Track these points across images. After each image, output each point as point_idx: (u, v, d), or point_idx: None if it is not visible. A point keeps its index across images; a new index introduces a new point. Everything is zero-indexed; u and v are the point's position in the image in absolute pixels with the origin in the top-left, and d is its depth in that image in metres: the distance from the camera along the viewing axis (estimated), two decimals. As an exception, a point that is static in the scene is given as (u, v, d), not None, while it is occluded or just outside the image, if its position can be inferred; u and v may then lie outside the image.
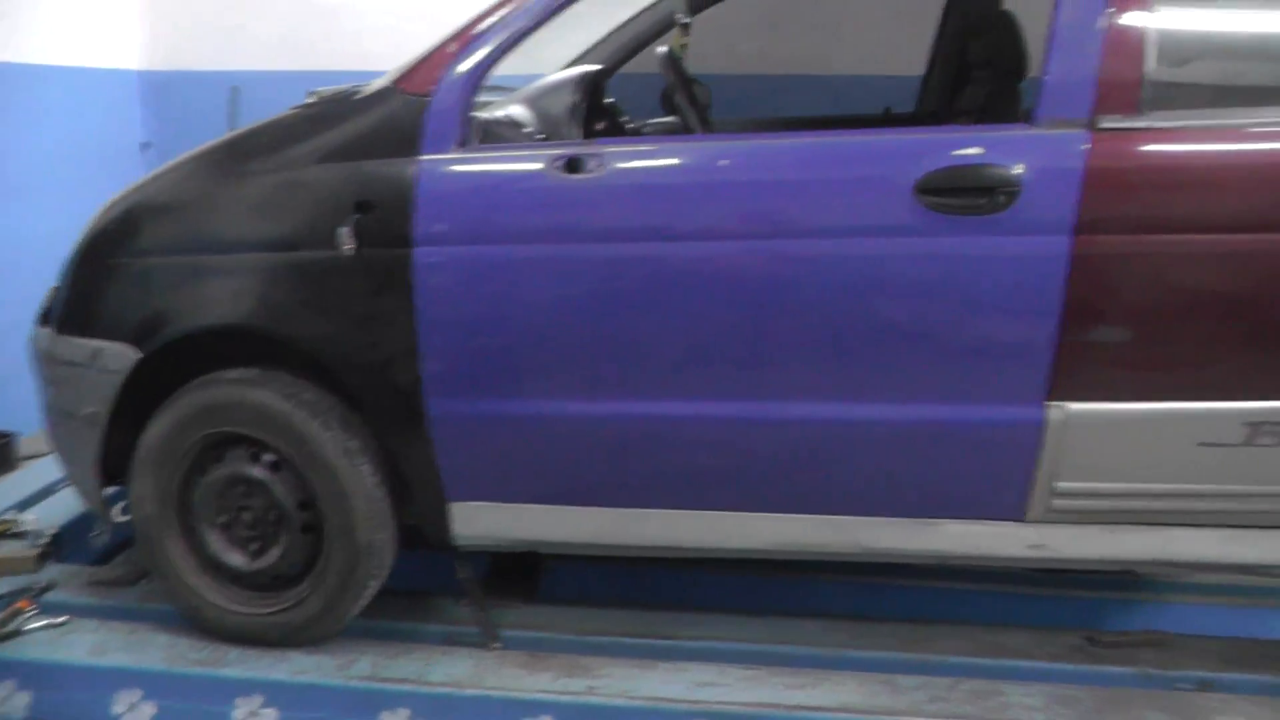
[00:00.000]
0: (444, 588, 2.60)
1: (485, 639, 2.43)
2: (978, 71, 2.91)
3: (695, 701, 2.18)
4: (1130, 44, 2.08)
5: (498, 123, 2.30)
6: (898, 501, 2.22)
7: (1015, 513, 2.20)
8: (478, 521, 2.34)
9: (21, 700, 2.37)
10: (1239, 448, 2.15)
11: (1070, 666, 2.34)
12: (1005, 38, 2.83)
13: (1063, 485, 2.16)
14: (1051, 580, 2.72)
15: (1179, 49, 2.17)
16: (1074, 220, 2.04)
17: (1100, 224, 2.05)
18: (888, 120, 3.08)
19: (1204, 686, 2.32)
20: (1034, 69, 2.46)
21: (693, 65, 3.21)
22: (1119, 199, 2.06)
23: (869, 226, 2.09)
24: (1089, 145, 2.05)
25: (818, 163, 2.14)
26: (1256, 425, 2.14)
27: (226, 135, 2.47)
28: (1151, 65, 2.08)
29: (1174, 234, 2.07)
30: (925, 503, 2.22)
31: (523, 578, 2.74)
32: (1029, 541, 2.21)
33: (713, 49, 3.59)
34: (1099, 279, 2.07)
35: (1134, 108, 2.07)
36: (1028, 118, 2.09)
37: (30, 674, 2.38)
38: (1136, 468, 2.17)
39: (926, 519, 2.22)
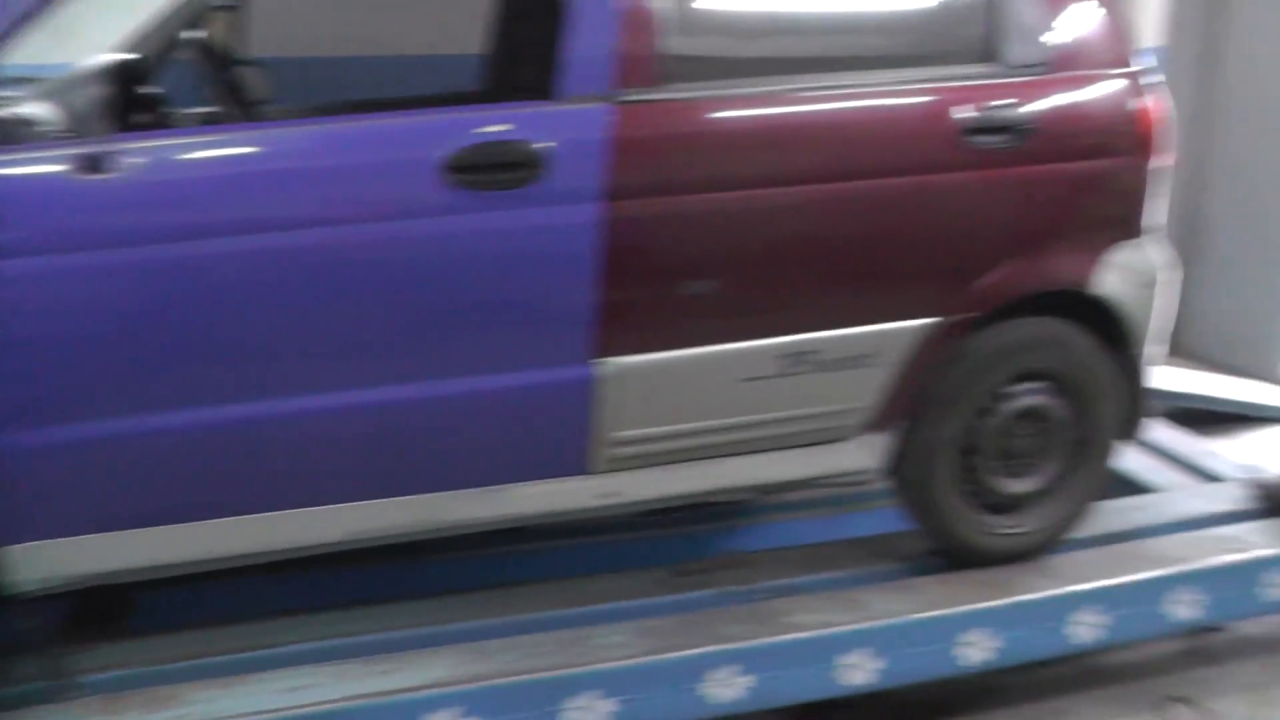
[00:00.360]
0: (10, 644, 2.40)
1: (59, 691, 2.27)
2: (526, 51, 2.98)
3: (283, 709, 2.13)
4: (645, 20, 2.22)
5: (11, 120, 2.10)
6: (469, 473, 2.28)
7: (580, 467, 2.32)
8: (35, 564, 2.11)
9: None
10: (775, 379, 2.38)
11: (653, 600, 2.50)
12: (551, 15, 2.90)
13: (620, 434, 2.30)
14: (636, 523, 2.90)
15: (692, 23, 2.33)
16: (602, 188, 2.16)
17: (628, 190, 2.18)
18: (453, 100, 3.09)
19: (779, 594, 2.56)
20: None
21: (257, 49, 3.10)
22: (643, 166, 2.20)
23: (402, 209, 2.11)
24: (611, 117, 2.17)
25: (345, 148, 2.13)
26: (789, 356, 2.37)
27: None
28: (666, 40, 2.23)
29: (696, 194, 2.26)
30: (495, 470, 2.29)
31: (107, 614, 2.59)
32: (596, 492, 2.35)
33: (279, 31, 3.46)
34: (631, 241, 2.21)
35: (652, 81, 2.21)
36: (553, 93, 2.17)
37: None
38: (688, 409, 2.35)
39: (498, 485, 2.29)
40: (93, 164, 1.99)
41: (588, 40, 2.18)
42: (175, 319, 2.06)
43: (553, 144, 2.14)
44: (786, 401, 2.41)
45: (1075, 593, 2.60)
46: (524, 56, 2.96)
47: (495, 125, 2.15)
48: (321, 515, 2.23)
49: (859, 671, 2.40)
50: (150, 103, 2.58)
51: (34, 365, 2.03)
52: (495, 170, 2.12)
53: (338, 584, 2.69)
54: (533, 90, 2.25)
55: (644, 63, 2.21)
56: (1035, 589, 2.59)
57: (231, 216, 2.06)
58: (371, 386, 2.17)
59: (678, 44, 2.25)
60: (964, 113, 2.42)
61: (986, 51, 2.51)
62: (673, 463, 2.39)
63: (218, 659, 2.33)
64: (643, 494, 2.39)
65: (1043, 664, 2.71)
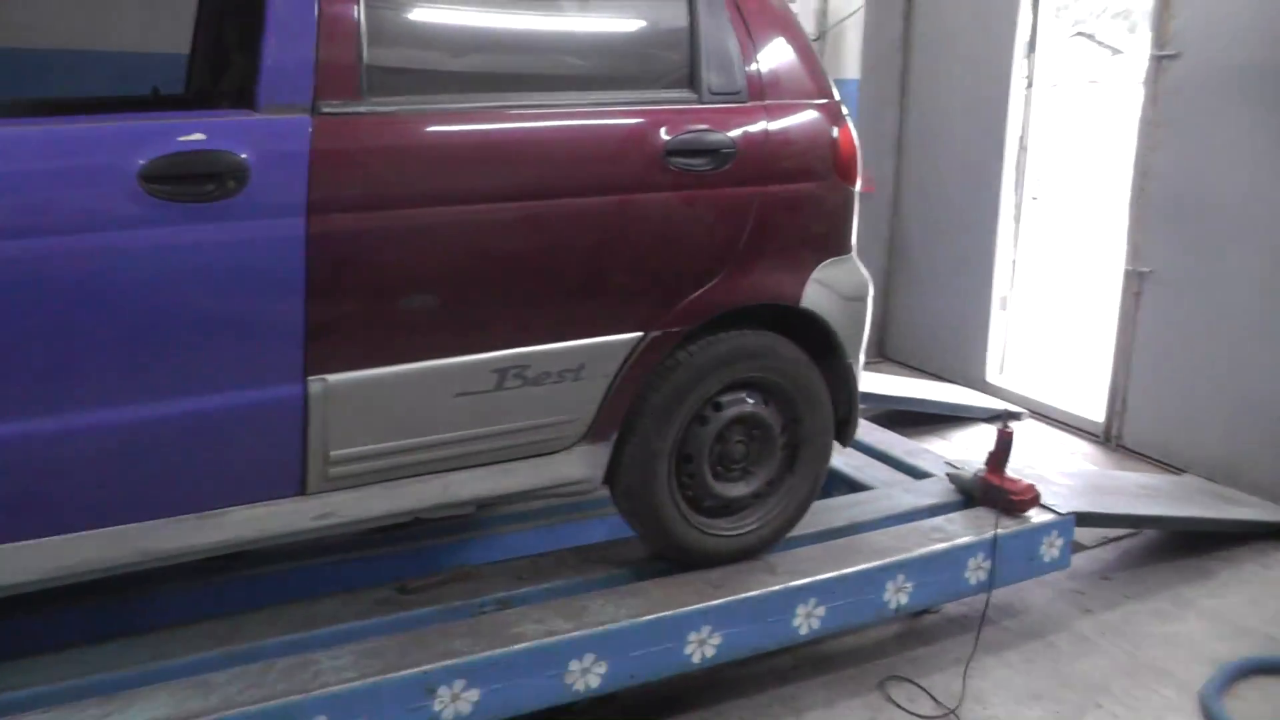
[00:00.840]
0: None
1: None
2: (235, 54, 2.90)
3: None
4: (348, 30, 2.19)
5: None
6: (178, 499, 2.19)
7: (296, 487, 2.28)
8: None
9: None
10: (492, 393, 2.41)
11: (378, 620, 2.48)
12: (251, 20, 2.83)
13: (336, 453, 2.27)
14: (360, 543, 2.87)
15: (397, 36, 2.34)
16: (304, 202, 2.13)
17: (330, 204, 2.16)
18: (155, 102, 2.97)
19: (504, 605, 2.60)
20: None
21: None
22: (345, 180, 2.19)
23: (98, 219, 2.00)
24: (312, 129, 2.14)
25: (39, 152, 1.99)
26: (504, 370, 2.41)
27: None
28: (370, 51, 2.22)
29: (401, 209, 2.26)
30: (207, 495, 2.21)
31: None
32: (313, 513, 2.31)
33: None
34: (336, 256, 2.19)
35: (354, 93, 2.20)
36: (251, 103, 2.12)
37: None
38: (405, 425, 2.35)
39: (210, 511, 2.21)
40: None
41: (287, 49, 2.13)
42: None
43: (253, 155, 2.09)
44: (503, 415, 2.45)
45: (796, 586, 2.77)
46: (226, 62, 2.89)
47: (194, 134, 2.07)
48: (21, 551, 2.07)
49: (588, 676, 2.47)
50: None
51: None
52: (195, 181, 2.05)
53: (42, 627, 2.53)
54: (234, 98, 2.19)
55: (346, 74, 2.18)
56: (759, 586, 2.74)
57: None
58: (75, 410, 2.04)
59: (382, 56, 2.25)
60: (666, 135, 2.54)
61: (690, 78, 2.65)
62: (391, 480, 2.38)
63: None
64: (361, 513, 2.36)
65: (770, 655, 2.87)
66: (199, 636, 2.41)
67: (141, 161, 2.01)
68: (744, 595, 2.70)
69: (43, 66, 3.57)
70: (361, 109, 2.21)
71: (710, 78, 2.66)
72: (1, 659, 2.30)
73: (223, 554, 2.31)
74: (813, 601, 2.78)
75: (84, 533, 2.12)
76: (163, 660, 2.33)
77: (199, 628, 2.46)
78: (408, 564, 2.85)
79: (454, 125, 2.35)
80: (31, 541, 2.08)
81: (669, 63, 2.67)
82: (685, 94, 2.63)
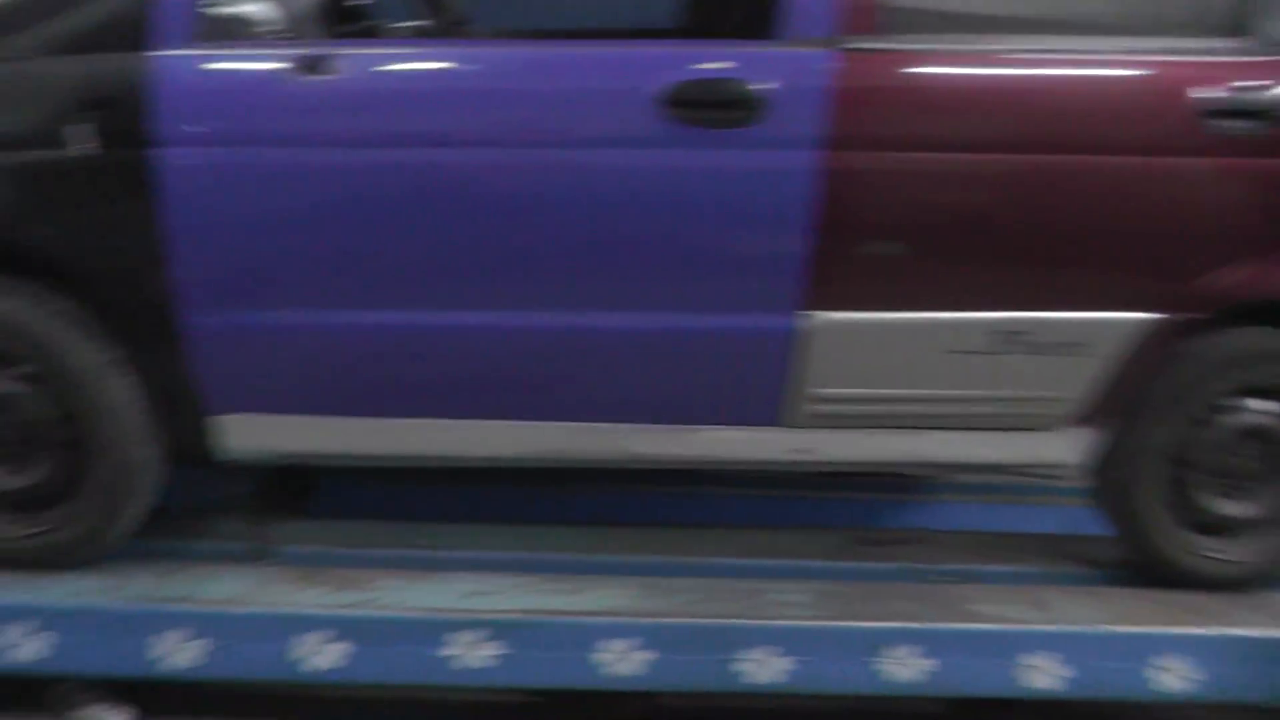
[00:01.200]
0: (215, 504, 2.56)
1: (257, 555, 2.41)
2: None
3: (466, 611, 2.20)
4: None
5: (234, 18, 2.18)
6: (657, 408, 2.27)
7: (772, 418, 2.28)
8: (241, 435, 2.29)
9: None
10: (984, 355, 2.27)
11: (836, 564, 2.46)
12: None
13: (817, 391, 2.24)
14: (821, 483, 2.84)
15: None
16: (819, 136, 2.10)
17: (844, 141, 2.11)
18: (652, 33, 3.09)
19: (961, 578, 2.48)
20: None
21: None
22: (861, 117, 2.12)
23: (614, 138, 2.10)
24: (832, 64, 2.10)
25: (562, 72, 2.13)
26: (1000, 334, 2.26)
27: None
28: None
29: (916, 151, 2.16)
30: (686, 409, 2.28)
31: (295, 492, 2.71)
32: (785, 446, 2.30)
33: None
34: (847, 194, 2.14)
35: (873, 28, 2.13)
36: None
37: None
38: (891, 374, 2.28)
39: (688, 425, 2.28)
40: (310, 65, 2.07)
41: None
42: (373, 221, 2.13)
43: (774, 86, 2.08)
44: (993, 381, 2.30)
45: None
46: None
47: (717, 62, 2.11)
48: (514, 430, 2.27)
49: (1039, 674, 2.29)
50: (359, 13, 2.67)
51: (233, 252, 2.15)
52: (713, 108, 2.09)
53: (499, 501, 2.76)
54: (752, 29, 2.20)
55: (866, 10, 2.13)
56: (1245, 623, 2.39)
57: (443, 129, 2.10)
58: (574, 311, 2.18)
59: None
60: (1206, 92, 2.23)
61: (1237, 25, 2.29)
62: (868, 427, 2.32)
63: (404, 552, 2.43)
64: (834, 455, 2.33)
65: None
66: (654, 540, 2.52)
67: (662, 86, 2.07)
68: (1236, 632, 2.36)
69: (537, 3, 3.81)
70: (879, 45, 2.14)
71: (1270, 25, 2.30)
72: (487, 522, 2.55)
73: (690, 468, 2.38)
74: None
75: (570, 423, 2.28)
76: (618, 554, 2.46)
77: (657, 532, 2.56)
78: (859, 514, 2.80)
79: (971, 68, 2.21)
80: (526, 423, 2.27)
81: (1215, 6, 2.33)
82: (1233, 43, 2.29)
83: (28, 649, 2.23)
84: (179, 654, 2.22)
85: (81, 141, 2.06)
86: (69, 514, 2.30)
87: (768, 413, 2.27)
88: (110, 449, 2.23)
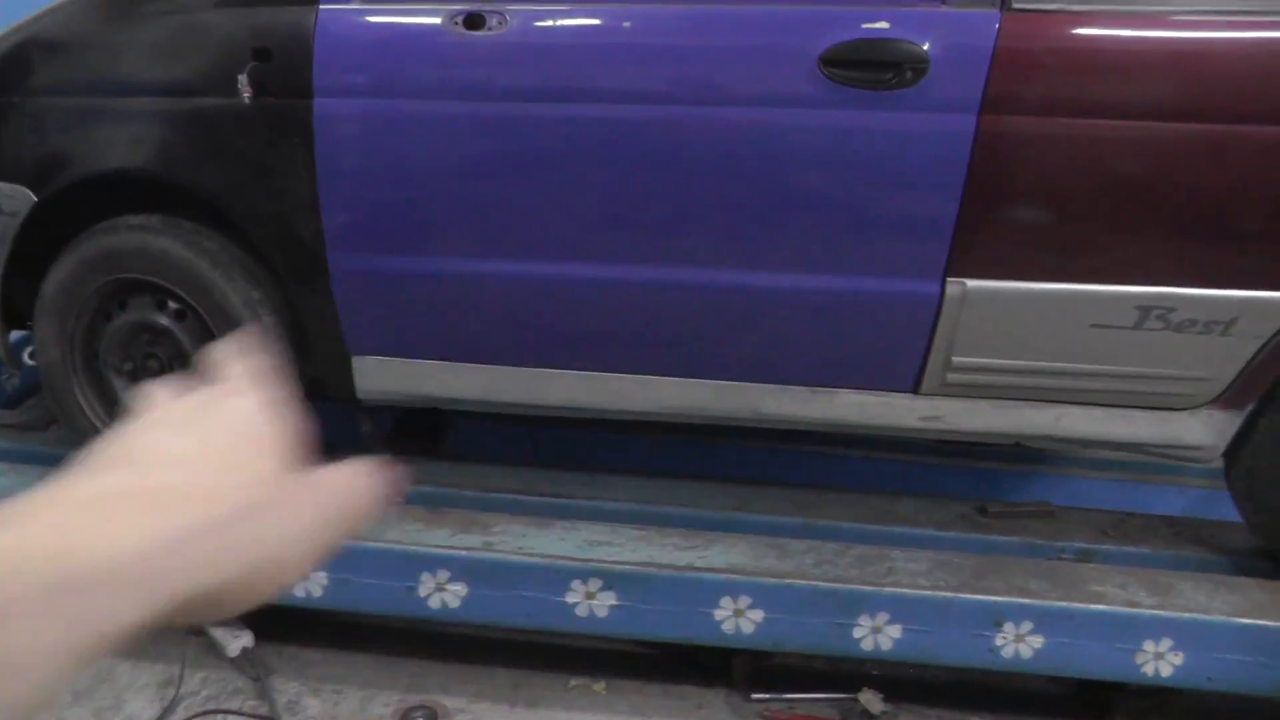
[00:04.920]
0: (347, 441, 2.62)
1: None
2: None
3: (587, 559, 2.24)
4: None
5: None
6: (795, 369, 2.25)
7: (910, 385, 2.24)
8: (377, 376, 2.35)
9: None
10: (1129, 330, 2.19)
11: (957, 534, 2.43)
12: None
13: (958, 360, 2.20)
14: (944, 450, 2.80)
15: None
16: (980, 99, 2.03)
17: (1006, 104, 2.03)
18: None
19: (1084, 557, 2.43)
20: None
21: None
22: (1026, 80, 2.04)
23: (772, 96, 2.06)
24: (999, 25, 2.02)
25: (723, 29, 2.09)
26: (1147, 309, 2.18)
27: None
28: None
29: (1078, 118, 2.06)
30: (822, 371, 2.25)
31: (428, 433, 2.77)
32: (922, 413, 2.26)
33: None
34: (1003, 160, 2.07)
35: None
36: None
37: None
38: (1033, 345, 2.21)
39: (823, 387, 2.25)
40: (473, 21, 2.07)
41: None
42: (526, 174, 2.13)
43: (935, 47, 2.01)
44: (1135, 357, 2.22)
45: None
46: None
47: (879, 22, 2.04)
48: (650, 385, 2.28)
49: (1160, 662, 2.24)
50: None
51: (382, 198, 2.19)
52: (874, 69, 2.03)
53: (624, 452, 2.78)
54: None
55: None
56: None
57: (608, 86, 2.09)
58: (717, 268, 2.16)
59: None
60: None
61: None
62: (1003, 399, 2.27)
63: (528, 498, 2.47)
64: (968, 425, 2.28)
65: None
66: (782, 500, 2.51)
67: (825, 45, 2.02)
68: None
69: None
70: (1052, 6, 2.04)
71: None
72: (612, 472, 2.56)
73: (822, 430, 2.36)
74: None
75: (705, 380, 2.27)
76: (744, 512, 2.45)
77: (778, 490, 2.56)
78: (985, 484, 2.75)
79: (1142, 30, 2.09)
80: (659, 378, 2.28)
81: None
82: None
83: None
84: (302, 584, 2.30)
85: (249, 90, 2.11)
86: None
87: (906, 378, 2.23)
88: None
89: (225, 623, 2.50)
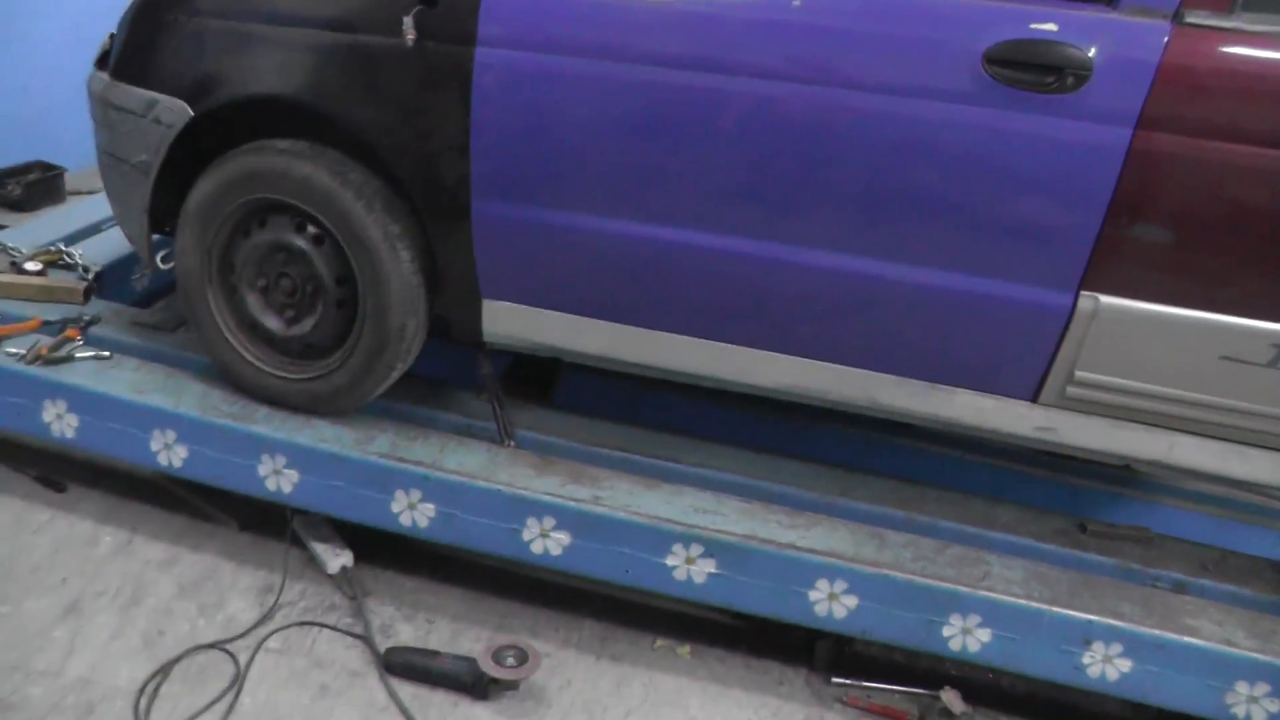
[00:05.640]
0: (464, 380, 2.68)
1: (499, 435, 2.53)
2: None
3: (691, 525, 2.28)
4: None
5: None
6: (916, 363, 2.26)
7: (1029, 393, 2.23)
8: (506, 321, 2.40)
9: (71, 422, 2.51)
10: (1261, 368, 2.16)
11: (1055, 548, 2.42)
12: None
13: (1080, 374, 2.18)
14: (1041, 461, 2.80)
15: None
16: (1138, 113, 2.00)
17: (1164, 121, 2.00)
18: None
19: (1179, 588, 2.41)
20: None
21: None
22: (1188, 99, 1.99)
23: (930, 89, 2.04)
24: (1168, 38, 1.98)
25: (888, 17, 2.08)
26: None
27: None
28: None
29: (1238, 143, 2.01)
30: (942, 369, 2.25)
31: (540, 382, 2.82)
32: (1038, 423, 2.25)
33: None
34: (1152, 177, 2.03)
35: (1225, 5, 1.99)
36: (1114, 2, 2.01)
37: (79, 399, 2.50)
38: (1156, 369, 2.19)
39: (941, 385, 2.26)
40: None
41: None
42: (670, 140, 2.15)
43: (1101, 55, 1.98)
44: (1263, 395, 2.17)
45: None
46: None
47: (1047, 23, 2.01)
48: (767, 360, 2.31)
49: (1253, 707, 2.22)
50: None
51: (531, 150, 2.22)
52: (1037, 70, 2.00)
53: (733, 424, 2.81)
54: None
55: None
56: None
57: (768, 62, 2.09)
58: (850, 253, 2.17)
59: None
60: None
61: None
62: (1120, 419, 2.25)
63: (637, 458, 2.50)
64: (1080, 441, 2.26)
65: None
66: (884, 491, 2.52)
67: (989, 42, 2.00)
68: None
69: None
70: (1228, 25, 1.99)
71: None
72: (720, 442, 2.61)
73: (934, 427, 2.37)
74: None
75: (822, 363, 2.29)
76: (848, 499, 2.47)
77: (882, 481, 2.57)
78: (1085, 501, 2.73)
79: None
80: (780, 355, 2.30)
81: None
82: None
83: (281, 481, 2.42)
84: (409, 514, 2.38)
85: (412, 33, 2.16)
86: (335, 366, 2.46)
87: (1026, 387, 2.22)
88: (383, 314, 2.36)
89: (327, 540, 2.58)
